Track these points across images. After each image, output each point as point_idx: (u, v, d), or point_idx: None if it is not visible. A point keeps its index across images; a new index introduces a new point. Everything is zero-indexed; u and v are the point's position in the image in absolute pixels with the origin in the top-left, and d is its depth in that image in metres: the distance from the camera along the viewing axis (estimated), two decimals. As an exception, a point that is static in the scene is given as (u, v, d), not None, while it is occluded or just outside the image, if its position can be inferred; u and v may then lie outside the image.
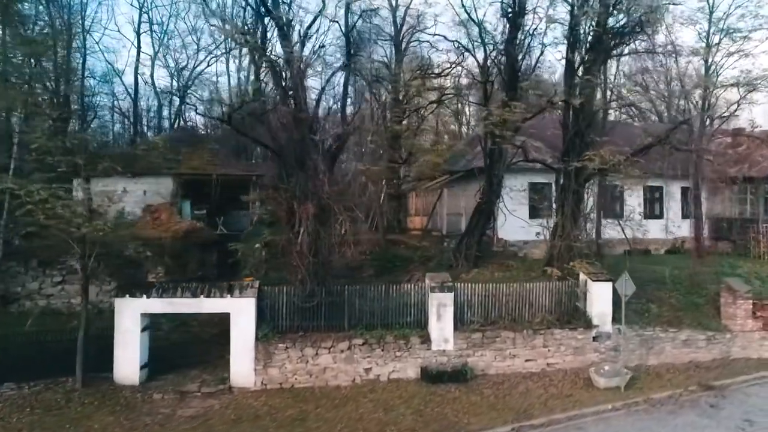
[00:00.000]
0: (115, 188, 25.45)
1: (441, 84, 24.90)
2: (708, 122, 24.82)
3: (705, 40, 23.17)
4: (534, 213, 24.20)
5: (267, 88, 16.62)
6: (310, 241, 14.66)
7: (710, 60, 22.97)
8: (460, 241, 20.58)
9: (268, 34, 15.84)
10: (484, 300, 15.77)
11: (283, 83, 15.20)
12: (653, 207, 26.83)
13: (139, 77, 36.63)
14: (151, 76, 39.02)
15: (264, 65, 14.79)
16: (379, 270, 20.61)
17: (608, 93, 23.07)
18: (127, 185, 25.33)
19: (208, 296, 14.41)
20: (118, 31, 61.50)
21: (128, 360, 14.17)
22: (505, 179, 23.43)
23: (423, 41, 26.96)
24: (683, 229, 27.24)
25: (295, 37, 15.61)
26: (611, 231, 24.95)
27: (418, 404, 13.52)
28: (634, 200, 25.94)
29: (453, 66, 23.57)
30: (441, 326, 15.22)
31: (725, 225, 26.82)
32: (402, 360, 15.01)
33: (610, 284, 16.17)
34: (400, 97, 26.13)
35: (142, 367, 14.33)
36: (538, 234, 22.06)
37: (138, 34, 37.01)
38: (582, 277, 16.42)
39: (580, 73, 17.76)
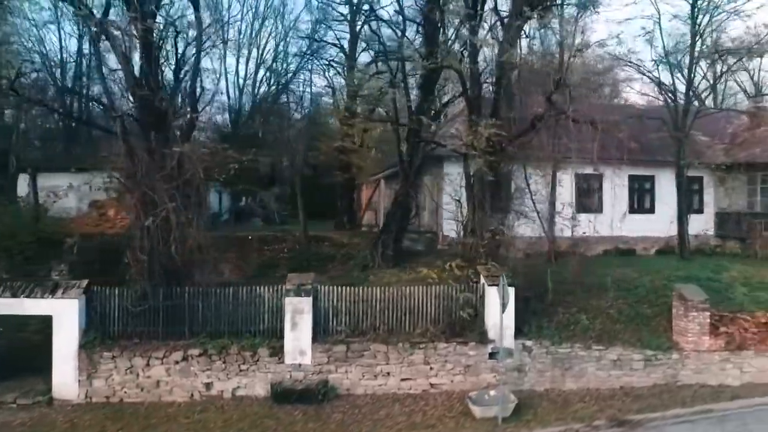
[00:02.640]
0: (59, 183, 25.15)
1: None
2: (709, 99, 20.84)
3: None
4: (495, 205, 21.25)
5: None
6: (142, 235, 12.81)
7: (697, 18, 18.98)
8: (377, 239, 18.09)
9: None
10: (353, 306, 13.32)
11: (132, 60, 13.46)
12: (642, 200, 23.03)
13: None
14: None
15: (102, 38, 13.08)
16: (295, 270, 18.51)
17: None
18: (74, 180, 24.78)
19: (29, 296, 12.89)
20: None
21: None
22: (445, 168, 20.76)
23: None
24: (686, 225, 23.22)
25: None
26: (585, 228, 21.79)
27: (244, 428, 11.37)
28: (615, 192, 22.36)
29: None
30: (296, 336, 12.93)
31: (733, 220, 22.60)
32: (249, 375, 12.84)
33: (512, 290, 13.28)
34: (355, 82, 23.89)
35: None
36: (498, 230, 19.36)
37: None
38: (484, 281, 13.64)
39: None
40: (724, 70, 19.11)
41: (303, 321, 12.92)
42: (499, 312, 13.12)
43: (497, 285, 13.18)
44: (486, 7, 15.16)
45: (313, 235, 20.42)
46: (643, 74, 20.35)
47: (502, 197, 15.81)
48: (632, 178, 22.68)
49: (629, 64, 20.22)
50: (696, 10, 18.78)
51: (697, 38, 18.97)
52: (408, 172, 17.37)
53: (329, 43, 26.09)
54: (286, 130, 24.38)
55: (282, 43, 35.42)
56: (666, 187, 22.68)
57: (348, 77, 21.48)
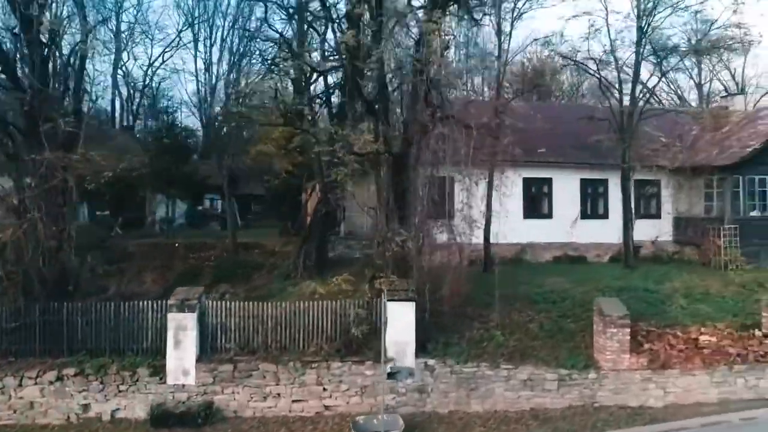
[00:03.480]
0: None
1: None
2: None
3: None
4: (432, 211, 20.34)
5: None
6: (8, 246, 12.03)
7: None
8: (300, 248, 17.22)
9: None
10: (243, 322, 12.47)
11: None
12: (595, 205, 21.98)
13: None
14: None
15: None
16: (219, 279, 17.74)
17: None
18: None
19: None
20: None
21: None
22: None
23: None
24: (640, 231, 22.20)
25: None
26: (534, 235, 20.92)
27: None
28: (565, 196, 21.41)
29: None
30: (180, 355, 12.10)
31: (690, 226, 21.55)
32: (128, 396, 12.02)
33: (412, 305, 12.42)
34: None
35: None
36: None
37: None
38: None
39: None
40: (666, 69, 18.01)
41: (187, 338, 12.09)
42: (401, 329, 12.37)
43: (397, 300, 12.38)
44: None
45: (242, 243, 19.60)
46: (589, 73, 19.33)
47: (424, 204, 14.71)
48: (584, 182, 21.68)
49: (575, 63, 19.23)
50: (639, 5, 17.78)
51: (642, 35, 17.94)
52: (324, 177, 16.50)
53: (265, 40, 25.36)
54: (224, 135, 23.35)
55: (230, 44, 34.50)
56: (617, 192, 21.68)
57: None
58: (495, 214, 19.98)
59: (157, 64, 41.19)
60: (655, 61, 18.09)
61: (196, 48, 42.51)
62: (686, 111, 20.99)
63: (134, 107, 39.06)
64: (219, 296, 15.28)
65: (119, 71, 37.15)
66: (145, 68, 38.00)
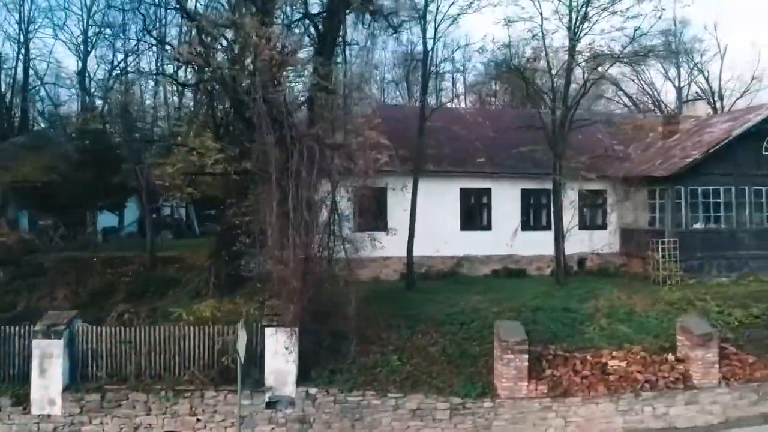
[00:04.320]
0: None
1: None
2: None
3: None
4: (363, 223, 19.68)
5: None
6: None
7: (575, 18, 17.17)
8: (210, 265, 16.58)
9: None
10: (115, 349, 11.84)
11: None
12: (537, 216, 21.26)
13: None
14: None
15: None
16: (132, 296, 17.12)
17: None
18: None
19: None
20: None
21: None
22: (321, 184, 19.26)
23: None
24: (587, 242, 21.52)
25: None
26: (471, 248, 20.26)
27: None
28: (506, 207, 20.71)
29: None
30: (45, 383, 11.46)
31: (636, 238, 20.84)
32: (-10, 427, 11.46)
33: (291, 330, 11.77)
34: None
35: None
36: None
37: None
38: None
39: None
40: (593, 77, 17.25)
41: (53, 366, 11.46)
42: (281, 355, 11.72)
43: (276, 325, 11.74)
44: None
45: (162, 257, 18.97)
46: (524, 80, 18.64)
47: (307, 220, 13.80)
48: (526, 193, 21.00)
49: (508, 70, 18.54)
50: (572, 12, 17.07)
51: (575, 41, 17.23)
52: (230, 190, 15.85)
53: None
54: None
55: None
56: (564, 202, 20.95)
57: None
58: (429, 226, 19.47)
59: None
60: (587, 69, 17.30)
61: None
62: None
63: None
64: (118, 317, 14.63)
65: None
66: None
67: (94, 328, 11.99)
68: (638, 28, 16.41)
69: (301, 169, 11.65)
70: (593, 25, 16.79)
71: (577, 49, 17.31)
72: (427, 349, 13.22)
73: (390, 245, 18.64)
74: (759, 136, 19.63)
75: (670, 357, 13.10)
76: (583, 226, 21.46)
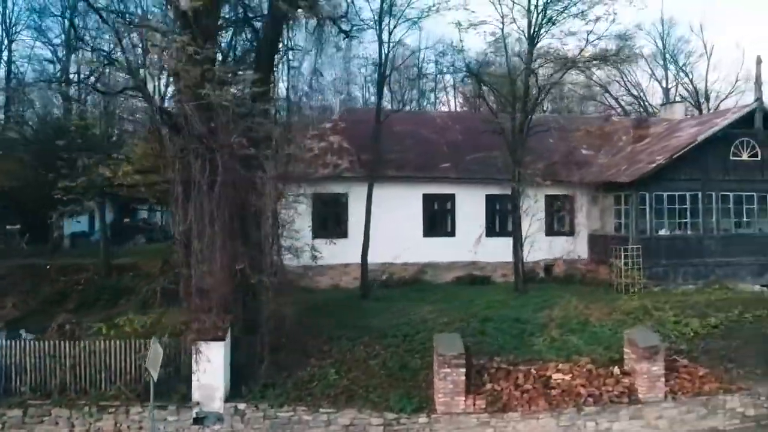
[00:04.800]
0: None
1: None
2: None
3: None
4: (322, 230, 19.42)
5: None
6: None
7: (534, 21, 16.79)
8: (160, 274, 16.25)
9: None
10: (40, 363, 11.56)
11: None
12: (503, 221, 20.87)
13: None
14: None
15: None
16: (83, 305, 16.86)
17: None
18: None
19: None
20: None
21: None
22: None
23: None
24: (554, 249, 21.19)
25: None
26: (435, 254, 19.94)
27: None
28: (470, 213, 20.38)
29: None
30: (-34, 399, 11.23)
31: (602, 244, 20.50)
32: None
33: (221, 344, 11.47)
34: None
35: None
36: (314, 259, 17.64)
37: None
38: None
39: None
40: (549, 82, 16.88)
41: (-27, 381, 11.21)
42: (210, 370, 11.42)
43: (204, 339, 11.45)
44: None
45: (117, 264, 18.70)
46: (485, 84, 18.31)
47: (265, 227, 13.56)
48: (490, 199, 20.68)
49: (470, 74, 18.21)
50: (530, 16, 16.74)
51: (532, 46, 16.90)
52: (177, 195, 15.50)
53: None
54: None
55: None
56: (529, 208, 20.63)
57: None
58: (391, 232, 19.20)
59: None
60: (544, 74, 16.98)
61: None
62: (577, 127, 19.69)
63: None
64: (58, 328, 14.34)
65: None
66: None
67: (19, 341, 11.71)
68: (590, 32, 16.14)
69: (216, 179, 11.30)
70: (549, 29, 16.48)
71: (535, 53, 16.97)
72: (367, 362, 12.90)
73: (350, 252, 18.46)
74: (727, 141, 19.32)
75: (616, 370, 12.75)
76: (550, 232, 21.18)
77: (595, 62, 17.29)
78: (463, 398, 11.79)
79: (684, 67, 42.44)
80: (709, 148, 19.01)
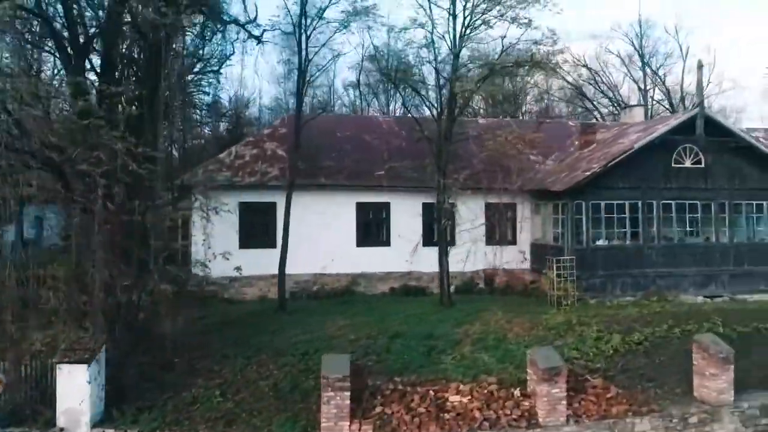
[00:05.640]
0: None
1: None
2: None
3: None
4: (249, 240, 18.86)
5: None
6: None
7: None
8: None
9: None
10: None
11: None
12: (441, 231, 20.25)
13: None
14: None
15: None
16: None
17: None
18: None
19: None
20: None
21: None
22: (210, 198, 18.41)
23: None
24: (495, 258, 20.57)
25: None
26: (369, 264, 19.38)
27: None
28: (406, 222, 19.78)
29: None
30: None
31: (542, 254, 19.85)
32: None
33: (84, 367, 10.86)
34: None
35: None
36: (238, 269, 17.10)
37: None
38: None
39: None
40: (467, 88, 16.22)
41: None
42: (75, 394, 10.84)
43: (68, 362, 10.86)
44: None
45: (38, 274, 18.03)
46: (413, 89, 17.73)
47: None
48: (427, 207, 20.03)
49: (394, 79, 17.60)
50: (455, 18, 16.15)
51: (459, 47, 16.29)
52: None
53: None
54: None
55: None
56: (467, 215, 20.06)
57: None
58: (323, 241, 18.67)
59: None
60: (465, 80, 16.34)
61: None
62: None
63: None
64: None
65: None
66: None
67: None
68: (504, 36, 15.61)
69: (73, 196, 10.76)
70: (470, 35, 15.89)
71: (461, 59, 16.38)
72: (258, 383, 12.29)
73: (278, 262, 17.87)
74: (669, 148, 18.71)
75: (516, 392, 12.13)
76: (491, 241, 20.57)
77: (511, 67, 16.59)
78: (348, 423, 11.17)
79: (657, 70, 41.80)
80: (649, 155, 18.39)
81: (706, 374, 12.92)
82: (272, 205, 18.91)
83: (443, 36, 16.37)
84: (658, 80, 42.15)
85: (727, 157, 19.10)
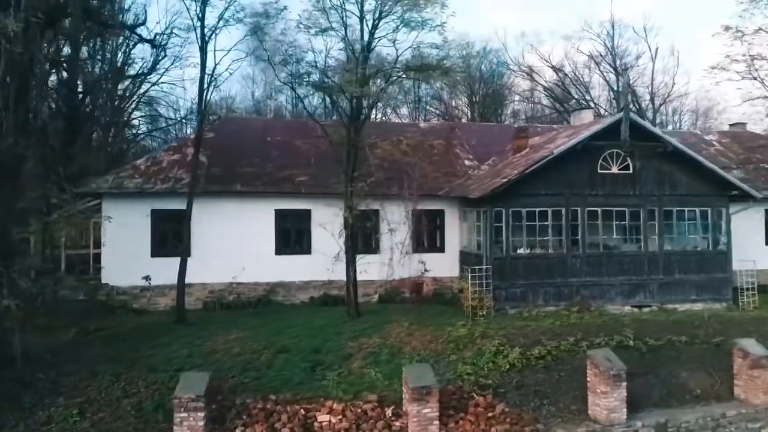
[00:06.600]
0: None
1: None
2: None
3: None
4: (161, 248, 18.36)
5: None
6: None
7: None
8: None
9: None
10: None
11: None
12: (365, 239, 19.63)
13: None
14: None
15: None
16: None
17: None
18: None
19: None
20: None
21: None
22: (117, 204, 17.98)
23: None
24: (423, 266, 20.00)
25: None
26: (288, 273, 18.86)
27: None
28: (328, 229, 19.22)
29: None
30: None
31: (468, 262, 19.29)
32: None
33: None
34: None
35: None
36: (147, 278, 16.67)
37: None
38: None
39: None
40: (369, 93, 15.68)
41: None
42: None
43: None
44: None
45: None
46: (322, 91, 17.23)
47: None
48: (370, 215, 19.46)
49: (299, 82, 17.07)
50: (363, 22, 15.64)
51: (365, 54, 15.79)
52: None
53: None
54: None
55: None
56: (393, 222, 19.53)
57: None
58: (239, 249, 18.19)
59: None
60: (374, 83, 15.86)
61: None
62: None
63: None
64: None
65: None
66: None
67: None
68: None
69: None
70: (380, 39, 15.43)
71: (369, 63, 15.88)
72: (121, 401, 11.77)
73: (193, 271, 17.45)
74: (594, 154, 18.12)
75: (389, 412, 11.61)
76: (418, 249, 19.99)
77: (411, 72, 16.09)
78: (207, 442, 10.69)
79: (626, 70, 41.14)
80: (574, 161, 17.84)
81: (597, 392, 12.41)
82: (185, 213, 18.38)
83: (352, 42, 15.80)
84: (636, 81, 41.47)
85: (657, 163, 18.53)
